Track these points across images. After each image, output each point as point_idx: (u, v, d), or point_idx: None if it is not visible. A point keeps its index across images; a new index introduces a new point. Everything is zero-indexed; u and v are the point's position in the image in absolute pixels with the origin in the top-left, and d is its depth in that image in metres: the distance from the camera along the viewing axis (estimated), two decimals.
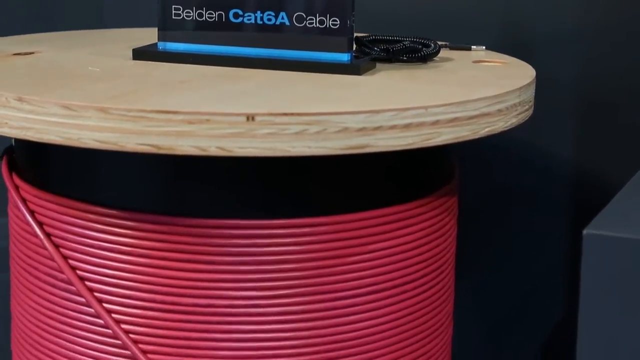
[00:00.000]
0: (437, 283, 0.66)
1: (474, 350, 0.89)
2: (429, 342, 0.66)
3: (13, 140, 0.66)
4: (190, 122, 0.52)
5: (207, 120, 0.52)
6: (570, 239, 0.85)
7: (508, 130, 0.60)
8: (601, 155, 0.83)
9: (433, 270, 0.65)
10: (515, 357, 0.88)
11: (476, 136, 0.58)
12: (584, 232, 0.49)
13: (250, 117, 0.52)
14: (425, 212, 0.63)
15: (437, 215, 0.64)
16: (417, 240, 0.63)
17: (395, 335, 0.63)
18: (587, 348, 0.49)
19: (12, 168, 0.65)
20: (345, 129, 0.53)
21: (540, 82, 0.66)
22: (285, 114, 0.52)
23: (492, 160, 0.86)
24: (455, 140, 0.57)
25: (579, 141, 0.83)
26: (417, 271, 0.63)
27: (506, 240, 0.87)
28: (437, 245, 0.65)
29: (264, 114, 0.52)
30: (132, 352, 0.59)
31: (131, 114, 0.52)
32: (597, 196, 0.82)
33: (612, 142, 0.82)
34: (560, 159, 0.84)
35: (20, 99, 0.54)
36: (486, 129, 0.58)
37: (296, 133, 0.53)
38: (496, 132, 0.59)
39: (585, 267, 0.49)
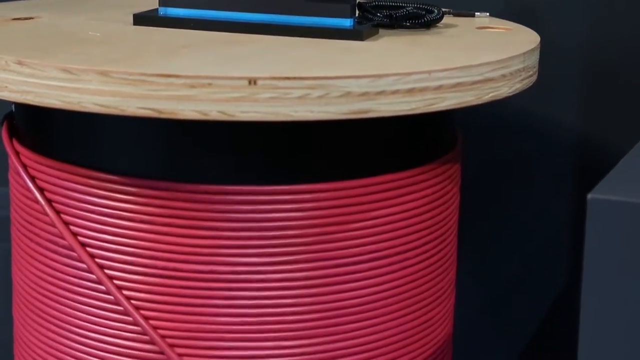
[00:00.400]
0: (440, 251, 0.66)
1: (476, 318, 0.89)
2: (431, 310, 0.66)
3: (13, 106, 0.65)
4: (191, 86, 0.51)
5: (209, 84, 0.51)
6: (573, 206, 0.85)
7: (512, 96, 0.60)
8: (605, 122, 0.83)
9: (435, 238, 0.65)
10: (516, 326, 0.88)
11: (480, 102, 0.57)
12: (589, 196, 0.49)
13: (252, 81, 0.52)
14: (427, 179, 0.63)
15: (439, 183, 0.64)
16: (419, 207, 0.63)
17: (397, 303, 0.63)
18: (591, 314, 0.49)
19: (12, 134, 0.64)
20: (348, 94, 0.53)
21: (544, 49, 0.65)
22: (288, 78, 0.52)
23: (495, 128, 0.86)
24: (459, 106, 0.56)
25: (582, 108, 0.83)
26: (420, 238, 0.63)
27: (508, 208, 0.87)
28: (440, 213, 0.65)
29: (266, 78, 0.52)
30: (134, 318, 0.59)
31: (132, 77, 0.52)
32: (600, 163, 0.82)
33: (615, 108, 0.82)
34: (563, 126, 0.84)
35: (20, 63, 0.53)
36: (490, 95, 0.58)
37: (298, 97, 0.52)
38: (500, 97, 0.59)
39: (589, 232, 0.49)
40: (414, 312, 0.64)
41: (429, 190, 0.63)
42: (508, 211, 0.87)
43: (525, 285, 0.88)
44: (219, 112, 0.52)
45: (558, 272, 0.86)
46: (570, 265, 0.86)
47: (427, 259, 0.64)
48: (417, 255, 0.63)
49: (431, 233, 0.64)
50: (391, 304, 0.62)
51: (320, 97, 0.52)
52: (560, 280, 0.86)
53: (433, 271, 0.65)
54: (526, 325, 0.88)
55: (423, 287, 0.64)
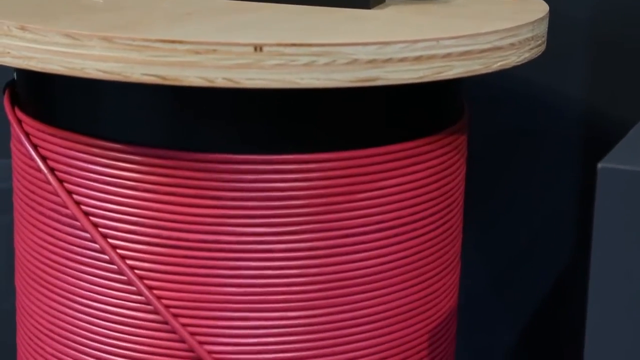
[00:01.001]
0: (446, 222, 0.65)
1: (480, 291, 0.89)
2: (437, 282, 0.65)
3: (15, 74, 0.65)
4: (196, 52, 0.51)
5: (214, 50, 0.51)
6: (580, 179, 0.84)
7: (519, 66, 0.59)
8: (611, 94, 0.82)
9: (442, 209, 0.64)
10: (522, 299, 0.88)
11: (488, 70, 0.57)
12: (599, 165, 0.48)
13: (258, 48, 0.51)
14: (434, 150, 0.62)
15: (446, 153, 0.63)
16: (426, 177, 0.62)
17: (403, 274, 0.62)
18: (600, 284, 0.49)
19: (14, 102, 0.63)
20: (355, 61, 0.52)
21: (550, 21, 0.65)
22: (294, 45, 0.51)
23: (500, 101, 0.85)
24: (467, 74, 0.56)
25: (589, 80, 0.82)
26: (426, 209, 0.63)
27: (514, 181, 0.86)
28: (447, 184, 0.64)
29: (272, 45, 0.51)
30: (138, 288, 0.59)
31: (136, 43, 0.51)
32: (607, 135, 0.81)
33: (622, 80, 0.81)
34: (569, 97, 0.83)
35: (22, 28, 0.53)
36: (498, 63, 0.57)
37: (305, 64, 0.51)
38: (508, 66, 0.58)
39: (599, 201, 0.48)
40: (419, 283, 0.63)
41: (436, 161, 0.62)
42: (513, 184, 0.86)
43: (530, 258, 0.87)
44: (225, 79, 0.51)
45: (564, 246, 0.86)
46: (576, 238, 0.86)
47: (434, 230, 0.64)
48: (423, 226, 0.63)
49: (438, 204, 0.63)
50: (397, 275, 0.62)
51: (326, 64, 0.52)
52: (566, 253, 0.86)
53: (439, 242, 0.64)
54: (531, 298, 0.88)
55: (429, 259, 0.64)
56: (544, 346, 0.89)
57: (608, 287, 0.48)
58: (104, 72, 0.52)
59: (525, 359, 0.89)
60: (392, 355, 0.63)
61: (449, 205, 0.65)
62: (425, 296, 0.64)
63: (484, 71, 0.56)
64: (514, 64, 0.58)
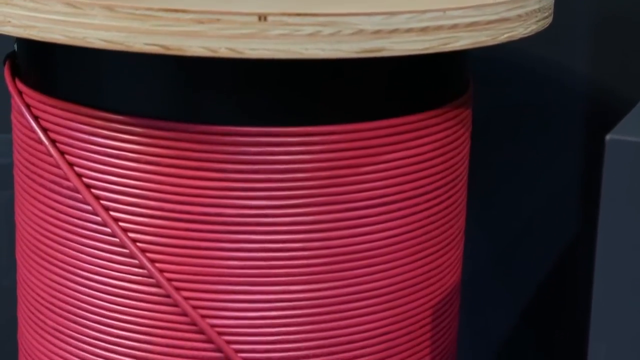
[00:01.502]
0: (450, 196, 0.64)
1: (483, 267, 0.88)
2: (441, 257, 0.65)
3: (15, 45, 0.64)
4: (200, 22, 0.50)
5: (218, 19, 0.50)
6: (584, 154, 0.84)
7: (524, 40, 0.59)
8: (616, 69, 0.81)
9: (446, 184, 0.64)
10: (525, 275, 0.88)
11: (495, 42, 0.56)
12: (607, 137, 0.47)
13: (262, 17, 0.50)
14: (439, 123, 0.62)
15: (451, 127, 0.63)
16: (430, 151, 0.61)
17: (407, 248, 0.62)
18: (607, 257, 0.48)
19: (15, 73, 0.63)
20: (361, 31, 0.51)
21: None
22: (299, 14, 0.50)
23: (504, 76, 0.84)
24: (474, 46, 0.55)
25: (593, 54, 0.82)
26: (430, 183, 0.62)
27: (517, 157, 0.86)
28: (451, 158, 0.64)
29: (276, 14, 0.50)
30: (140, 261, 0.58)
31: (139, 12, 0.50)
32: (612, 111, 0.81)
33: (627, 54, 0.81)
34: (574, 72, 0.83)
35: None
36: (505, 35, 0.56)
37: (309, 35, 0.51)
38: (516, 38, 0.57)
39: (607, 174, 0.48)
40: (423, 258, 0.63)
41: (441, 135, 0.62)
42: (517, 159, 0.86)
43: (533, 234, 0.87)
44: (228, 49, 0.50)
45: (568, 222, 0.85)
46: (580, 214, 0.85)
47: (438, 204, 0.63)
48: (427, 201, 0.62)
49: (442, 178, 0.63)
50: (401, 250, 0.61)
51: (331, 34, 0.51)
52: (570, 230, 0.86)
53: (443, 217, 0.64)
54: (534, 274, 0.88)
55: (433, 233, 0.63)
56: (546, 323, 0.88)
57: (615, 260, 0.48)
58: (106, 41, 0.51)
59: (527, 335, 0.89)
60: (395, 330, 0.62)
61: (453, 180, 0.65)
62: (430, 271, 0.64)
63: (490, 43, 0.56)
64: (520, 35, 0.58)
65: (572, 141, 0.84)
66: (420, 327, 0.64)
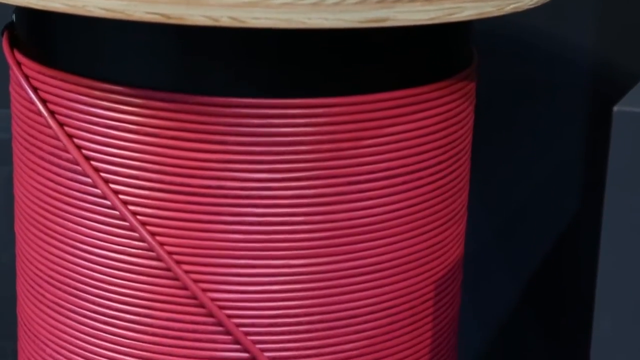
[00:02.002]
0: (453, 171, 0.64)
1: (486, 242, 0.88)
2: (444, 231, 0.64)
3: (14, 16, 0.63)
4: None
5: None
6: (588, 130, 0.83)
7: (528, 13, 0.58)
8: (620, 44, 0.81)
9: (449, 157, 0.63)
10: (527, 250, 0.87)
11: (501, 13, 0.55)
12: (615, 109, 0.47)
13: None
14: (443, 97, 0.61)
15: (455, 100, 0.62)
16: (434, 125, 0.61)
17: (410, 222, 0.61)
18: (613, 228, 0.47)
19: (13, 44, 0.62)
20: (364, 1, 0.50)
21: None
22: None
23: (509, 51, 0.84)
24: (479, 17, 0.54)
25: (597, 29, 0.81)
26: (434, 157, 0.61)
27: (521, 131, 0.85)
28: (455, 132, 0.63)
29: None
30: (140, 234, 0.58)
31: None
32: (615, 86, 0.80)
33: (631, 29, 0.80)
34: (578, 47, 0.82)
35: None
36: (511, 6, 0.56)
37: (313, 4, 0.50)
38: (522, 9, 0.56)
39: (614, 146, 0.47)
40: (426, 232, 0.62)
41: (444, 108, 0.61)
42: (521, 135, 0.85)
43: (536, 210, 0.86)
44: (230, 17, 0.50)
45: (570, 198, 0.85)
46: (582, 191, 0.85)
47: (441, 178, 0.62)
48: (430, 175, 0.61)
49: (445, 152, 0.62)
50: (404, 224, 0.61)
51: (335, 4, 0.50)
52: (572, 206, 0.85)
53: (446, 191, 0.63)
54: (536, 250, 0.87)
55: (436, 208, 0.63)
56: (549, 298, 0.88)
57: (621, 231, 0.47)
58: (106, 10, 0.50)
59: (529, 310, 0.89)
60: (398, 305, 0.62)
61: (456, 154, 0.64)
62: (432, 245, 0.63)
63: (496, 14, 0.55)
64: (527, 6, 0.57)
65: (576, 116, 0.83)
66: (423, 302, 0.63)
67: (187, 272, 0.58)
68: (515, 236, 0.88)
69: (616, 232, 0.47)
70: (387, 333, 0.62)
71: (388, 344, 0.62)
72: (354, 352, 0.61)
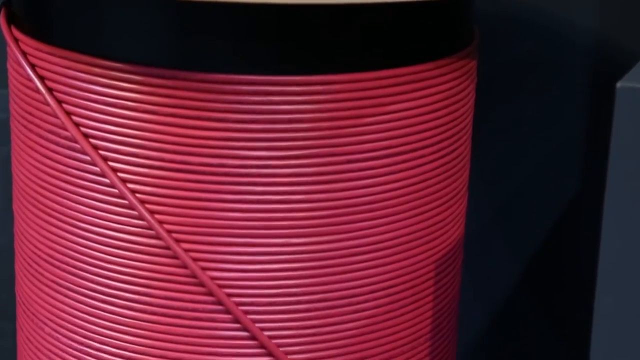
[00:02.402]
0: (455, 149, 0.63)
1: (487, 222, 0.88)
2: (445, 210, 0.64)
3: None
4: None
5: None
6: (590, 109, 0.83)
7: None
8: (625, 23, 0.80)
9: (451, 136, 0.63)
10: (527, 231, 0.87)
11: None
12: (618, 85, 0.46)
13: None
14: (444, 74, 0.60)
15: (456, 78, 0.62)
16: (435, 103, 0.60)
17: (411, 201, 0.61)
18: (616, 207, 0.47)
19: (10, 20, 0.61)
20: None
21: None
22: None
23: (510, 30, 0.83)
24: None
25: (599, 8, 0.80)
26: (435, 135, 0.61)
27: (523, 111, 0.84)
28: (456, 110, 0.63)
29: None
30: (139, 212, 0.57)
31: None
32: (617, 65, 0.80)
33: (633, 8, 0.79)
34: (580, 27, 0.81)
35: None
36: None
37: None
38: None
39: (617, 122, 0.47)
40: (427, 211, 0.62)
41: (445, 86, 0.61)
42: (522, 114, 0.85)
43: (536, 190, 0.86)
44: None
45: (571, 177, 0.85)
46: (584, 171, 0.84)
47: (442, 157, 0.62)
48: (431, 153, 0.61)
49: (446, 130, 0.62)
50: (404, 202, 0.60)
51: None
52: (574, 185, 0.85)
53: (447, 170, 0.63)
54: (537, 229, 0.87)
55: (437, 187, 0.62)
56: (549, 277, 0.88)
57: (624, 207, 0.47)
58: None
59: (530, 290, 0.89)
60: (398, 284, 0.61)
61: (457, 133, 0.63)
62: (433, 224, 0.63)
63: None
64: None
65: (578, 95, 0.83)
66: (424, 282, 0.63)
67: (186, 250, 0.57)
68: (515, 216, 0.87)
69: (618, 209, 0.47)
70: (388, 312, 0.62)
71: (388, 323, 0.62)
72: (354, 332, 0.61)
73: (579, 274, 0.86)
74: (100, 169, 0.57)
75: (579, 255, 0.86)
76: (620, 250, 0.48)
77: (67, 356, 0.62)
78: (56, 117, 0.58)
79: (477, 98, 0.68)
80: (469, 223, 0.71)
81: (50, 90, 0.58)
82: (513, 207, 0.87)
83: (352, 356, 0.61)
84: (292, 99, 0.56)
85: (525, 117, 0.85)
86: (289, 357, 0.59)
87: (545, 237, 0.87)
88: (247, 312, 0.58)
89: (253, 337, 0.59)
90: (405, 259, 0.62)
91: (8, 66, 0.63)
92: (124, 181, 0.57)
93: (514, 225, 0.88)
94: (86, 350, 0.61)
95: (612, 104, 0.47)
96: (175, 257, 0.58)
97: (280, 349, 0.59)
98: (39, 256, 0.62)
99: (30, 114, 0.60)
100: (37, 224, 0.62)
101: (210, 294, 0.58)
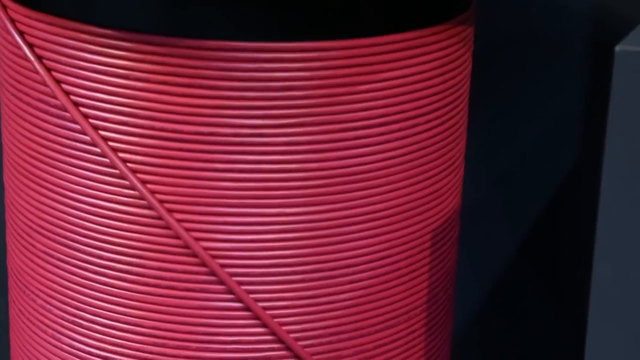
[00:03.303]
0: (451, 118, 0.63)
1: (484, 194, 0.87)
2: (440, 180, 0.63)
3: None
4: None
5: None
6: (587, 80, 0.82)
7: None
8: None
9: (446, 104, 0.62)
10: (525, 202, 0.86)
11: None
12: (617, 48, 0.45)
13: None
14: (440, 41, 0.59)
15: (452, 45, 0.61)
16: (431, 70, 0.59)
17: (406, 170, 0.60)
18: (614, 174, 0.46)
19: None
20: None
21: None
22: None
23: (508, 0, 0.82)
24: None
25: None
26: (430, 104, 0.60)
27: (521, 82, 0.84)
28: (452, 78, 0.62)
29: None
30: (131, 182, 0.56)
31: None
32: (617, 38, 0.79)
33: None
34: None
35: None
36: None
37: None
38: None
39: (616, 87, 0.46)
40: (423, 180, 0.61)
41: (442, 53, 0.60)
42: (520, 86, 0.84)
43: (534, 161, 0.85)
44: None
45: (570, 148, 0.84)
46: (582, 141, 0.84)
47: (438, 125, 0.61)
48: (427, 122, 0.60)
49: (442, 99, 0.61)
50: (400, 171, 0.60)
51: None
52: (572, 156, 0.84)
53: (443, 139, 0.62)
54: (534, 201, 0.86)
55: (433, 156, 0.61)
56: (547, 249, 0.87)
57: (623, 173, 0.46)
58: None
59: (527, 261, 0.88)
60: (394, 254, 0.61)
61: (454, 101, 0.63)
62: (429, 194, 0.62)
63: None
64: None
65: (576, 66, 0.82)
66: (420, 252, 0.62)
67: (179, 220, 0.57)
68: (513, 187, 0.87)
69: (617, 175, 0.46)
70: (383, 283, 0.61)
71: (384, 293, 0.61)
72: (350, 302, 0.60)
73: (577, 244, 0.85)
74: (91, 138, 0.56)
75: (578, 225, 0.85)
76: (619, 221, 0.47)
77: (59, 327, 0.61)
78: (46, 85, 0.57)
79: (476, 69, 0.67)
80: (466, 194, 0.70)
81: (39, 58, 0.57)
82: (511, 179, 0.87)
83: (347, 327, 0.60)
84: (285, 66, 0.55)
85: (524, 87, 0.84)
86: (284, 327, 0.59)
87: (543, 208, 0.86)
88: (241, 283, 0.58)
89: (247, 308, 0.58)
90: (400, 228, 0.61)
91: None
92: (115, 150, 0.56)
93: (512, 197, 0.87)
94: (78, 322, 0.60)
95: (610, 69, 0.46)
96: (167, 227, 0.57)
97: (275, 319, 0.59)
98: (30, 227, 0.62)
99: (19, 82, 0.59)
100: (28, 194, 0.61)
101: (203, 264, 0.57)
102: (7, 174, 0.64)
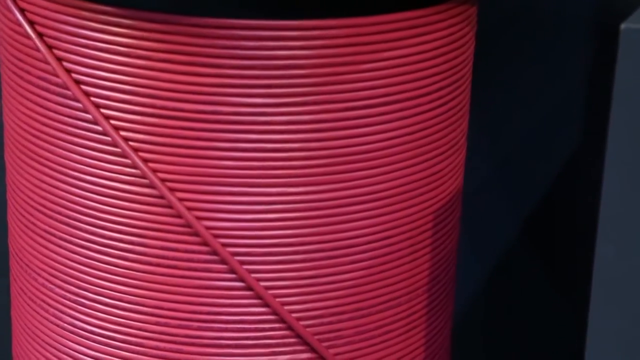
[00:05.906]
0: (454, 98, 0.62)
1: (486, 176, 0.87)
2: (443, 161, 0.63)
3: None
4: None
5: None
6: (591, 61, 0.81)
7: None
8: None
9: (450, 84, 0.61)
10: (528, 183, 0.86)
11: None
12: (622, 26, 0.45)
13: None
14: (443, 20, 0.59)
15: (456, 24, 0.60)
16: (434, 49, 0.59)
17: (409, 150, 0.60)
18: (619, 151, 0.46)
19: None
20: None
21: None
22: None
23: None
24: None
25: None
26: (433, 83, 0.60)
27: (524, 62, 0.83)
28: (455, 57, 0.61)
29: None
30: (132, 161, 0.56)
31: None
32: (622, 18, 0.78)
33: None
34: None
35: None
36: None
37: None
38: None
39: (620, 66, 0.46)
40: (425, 161, 0.61)
41: (445, 32, 0.59)
42: (522, 65, 0.84)
43: (537, 142, 0.85)
44: None
45: (573, 129, 0.84)
46: (586, 123, 0.83)
47: (441, 105, 0.61)
48: (430, 102, 0.60)
49: (445, 78, 0.61)
50: (402, 151, 0.59)
51: None
52: (575, 136, 0.84)
53: (446, 119, 0.62)
54: (537, 183, 0.86)
55: (436, 136, 0.61)
56: (549, 231, 0.87)
57: (627, 150, 0.46)
58: None
59: (528, 243, 0.88)
60: (395, 235, 0.61)
61: (457, 81, 0.62)
62: (432, 175, 0.62)
63: None
64: None
65: (580, 46, 0.81)
66: (421, 232, 0.62)
67: (180, 199, 0.57)
68: (515, 168, 0.87)
69: (620, 154, 0.46)
70: (385, 263, 0.61)
71: (386, 274, 0.61)
72: (351, 282, 0.60)
73: (580, 226, 0.85)
74: (93, 116, 0.56)
75: (580, 206, 0.85)
76: (622, 201, 0.47)
77: (60, 307, 0.61)
78: (47, 63, 0.57)
79: (478, 49, 0.67)
80: (469, 176, 0.70)
81: (40, 35, 0.57)
82: (514, 160, 0.86)
83: (348, 307, 0.60)
84: (287, 44, 0.54)
85: (527, 68, 0.83)
86: (285, 307, 0.59)
87: (545, 188, 0.86)
88: (242, 263, 0.58)
89: (249, 288, 0.58)
90: (402, 209, 0.61)
91: None
92: (117, 129, 0.56)
93: (515, 178, 0.87)
94: (80, 301, 0.60)
95: (615, 48, 0.46)
96: (169, 206, 0.57)
97: (277, 299, 0.58)
98: (31, 206, 0.61)
99: (20, 60, 0.59)
100: (29, 173, 0.61)
101: (205, 244, 0.57)
102: (9, 153, 0.64)
